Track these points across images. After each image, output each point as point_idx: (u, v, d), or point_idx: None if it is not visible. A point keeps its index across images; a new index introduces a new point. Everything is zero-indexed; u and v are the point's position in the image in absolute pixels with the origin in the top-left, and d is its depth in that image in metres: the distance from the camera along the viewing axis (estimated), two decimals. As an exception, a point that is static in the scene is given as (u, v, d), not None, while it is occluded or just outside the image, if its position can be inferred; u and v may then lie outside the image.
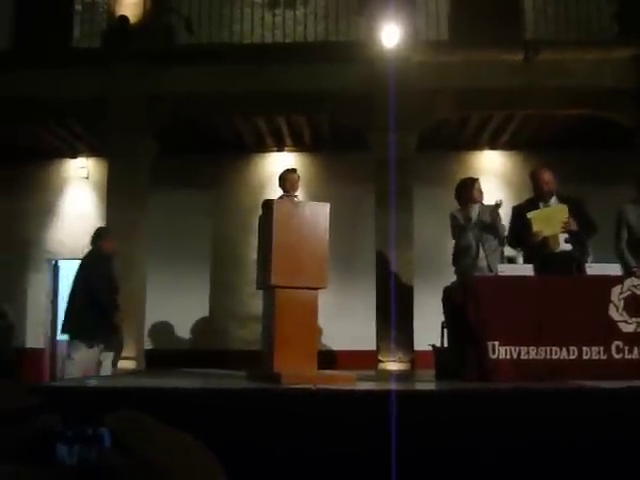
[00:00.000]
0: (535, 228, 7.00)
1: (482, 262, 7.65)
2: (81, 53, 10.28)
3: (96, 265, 7.95)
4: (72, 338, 7.86)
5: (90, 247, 8.19)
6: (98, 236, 8.21)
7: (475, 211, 7.80)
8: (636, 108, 9.59)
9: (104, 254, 8.08)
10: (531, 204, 7.38)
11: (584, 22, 9.93)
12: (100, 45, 10.08)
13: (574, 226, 6.96)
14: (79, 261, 8.13)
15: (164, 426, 0.88)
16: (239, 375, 6.74)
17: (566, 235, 7.05)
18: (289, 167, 8.65)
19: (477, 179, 8.13)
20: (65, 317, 7.94)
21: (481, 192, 7.88)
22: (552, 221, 7.05)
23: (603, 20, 10.08)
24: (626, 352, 6.37)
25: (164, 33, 9.63)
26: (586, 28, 9.92)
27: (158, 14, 9.93)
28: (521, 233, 7.18)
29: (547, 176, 7.33)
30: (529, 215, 7.09)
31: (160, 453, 0.84)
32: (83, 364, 7.85)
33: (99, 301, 7.75)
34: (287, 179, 8.06)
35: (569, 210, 7.03)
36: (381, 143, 9.42)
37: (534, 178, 7.43)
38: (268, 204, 6.89)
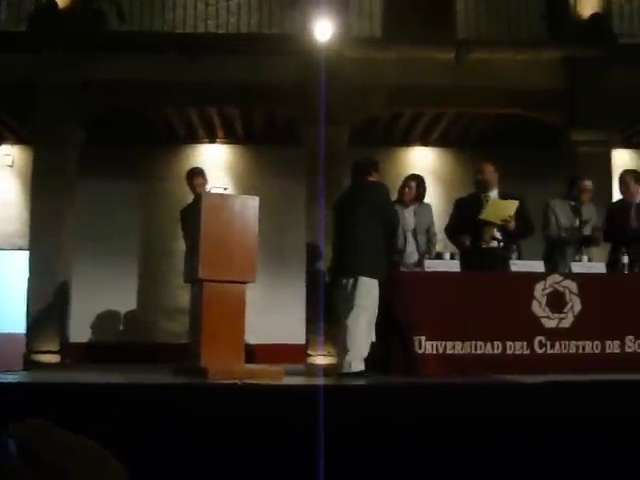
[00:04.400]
0: (482, 215, 7.04)
1: (410, 259, 7.75)
2: (7, 37, 9.94)
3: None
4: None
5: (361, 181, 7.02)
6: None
7: (411, 209, 7.91)
8: (564, 109, 9.77)
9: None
10: (473, 197, 7.45)
11: (515, 23, 10.08)
12: (27, 29, 9.79)
13: (512, 226, 7.02)
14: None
15: (70, 434, 0.89)
16: (166, 369, 6.66)
17: (498, 234, 7.12)
18: (194, 167, 8.51)
19: (410, 177, 8.21)
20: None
21: (409, 190, 7.95)
22: (499, 213, 7.10)
23: (533, 21, 10.25)
24: (548, 347, 6.54)
25: (94, 19, 9.39)
26: (517, 29, 10.07)
27: (88, -1, 9.70)
28: (465, 223, 7.21)
29: (488, 167, 7.38)
30: (489, 200, 7.15)
31: (64, 458, 0.84)
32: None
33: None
34: (190, 183, 7.91)
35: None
36: (313, 137, 9.39)
37: (479, 171, 7.45)
38: (183, 211, 6.90)
